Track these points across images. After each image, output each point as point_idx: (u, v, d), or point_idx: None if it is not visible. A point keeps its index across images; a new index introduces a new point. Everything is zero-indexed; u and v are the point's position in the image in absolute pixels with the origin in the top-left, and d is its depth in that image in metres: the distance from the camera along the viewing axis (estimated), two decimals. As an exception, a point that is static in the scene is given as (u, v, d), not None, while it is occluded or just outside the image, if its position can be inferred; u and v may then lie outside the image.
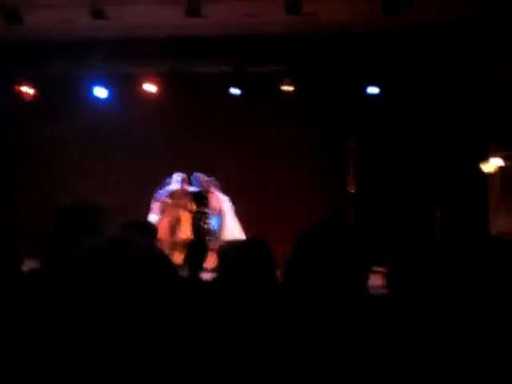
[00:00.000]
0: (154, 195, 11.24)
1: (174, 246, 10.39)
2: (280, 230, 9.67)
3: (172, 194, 11.14)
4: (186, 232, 10.93)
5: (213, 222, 11.24)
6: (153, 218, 10.78)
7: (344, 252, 1.87)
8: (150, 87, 12.05)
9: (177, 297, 1.12)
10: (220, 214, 11.23)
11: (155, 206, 11.21)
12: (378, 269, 3.43)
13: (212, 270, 5.97)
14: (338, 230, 1.93)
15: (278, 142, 12.07)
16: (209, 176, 11.33)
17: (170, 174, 11.31)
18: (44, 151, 12.41)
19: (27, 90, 11.99)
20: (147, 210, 11.09)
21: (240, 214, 11.35)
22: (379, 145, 11.78)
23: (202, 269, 5.43)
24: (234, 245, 2.85)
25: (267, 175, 12.02)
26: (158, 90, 12.02)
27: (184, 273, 5.20)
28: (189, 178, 11.37)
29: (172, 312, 1.09)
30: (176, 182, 11.19)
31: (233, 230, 11.08)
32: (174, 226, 11.07)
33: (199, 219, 11.20)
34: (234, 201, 11.37)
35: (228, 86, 11.92)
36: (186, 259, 5.74)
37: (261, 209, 11.73)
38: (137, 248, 1.11)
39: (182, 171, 11.33)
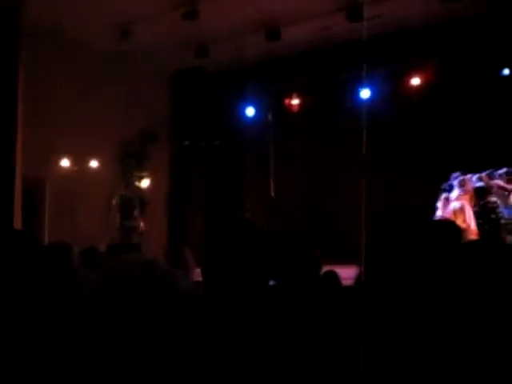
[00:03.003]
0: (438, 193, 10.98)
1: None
2: None
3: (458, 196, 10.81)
4: (466, 221, 10.51)
5: (505, 215, 10.63)
6: (437, 215, 10.64)
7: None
8: (415, 81, 11.84)
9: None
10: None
11: (439, 203, 10.96)
12: None
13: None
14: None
15: None
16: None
17: (452, 172, 10.88)
18: (310, 156, 12.84)
19: (294, 101, 12.60)
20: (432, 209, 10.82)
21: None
22: None
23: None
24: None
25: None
26: (422, 82, 11.79)
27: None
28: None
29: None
30: (454, 179, 10.84)
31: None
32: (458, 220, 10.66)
33: (484, 212, 10.67)
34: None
35: (499, 67, 11.11)
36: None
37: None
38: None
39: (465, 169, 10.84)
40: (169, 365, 1.09)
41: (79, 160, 11.73)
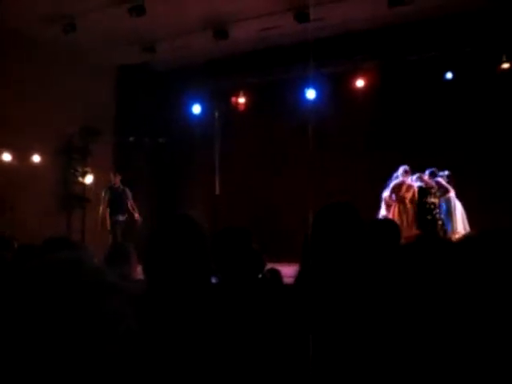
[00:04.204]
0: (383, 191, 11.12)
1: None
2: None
3: (396, 187, 10.87)
4: (412, 225, 10.67)
5: (441, 216, 10.80)
6: (381, 214, 10.71)
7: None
8: (359, 82, 12.02)
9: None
10: (447, 208, 10.81)
11: (383, 202, 11.06)
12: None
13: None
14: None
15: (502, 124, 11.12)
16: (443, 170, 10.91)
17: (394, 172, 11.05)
18: (256, 154, 13.00)
19: (240, 99, 12.64)
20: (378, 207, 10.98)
21: (468, 205, 10.75)
22: None
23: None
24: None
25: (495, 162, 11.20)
26: (366, 84, 11.94)
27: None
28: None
29: None
30: (399, 174, 10.93)
31: (460, 222, 10.62)
32: (401, 219, 10.83)
33: (424, 212, 10.82)
34: (461, 191, 10.79)
35: (442, 71, 11.40)
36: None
37: (488, 198, 10.95)
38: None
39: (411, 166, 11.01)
40: (104, 365, 1.06)
41: (21, 155, 11.47)
